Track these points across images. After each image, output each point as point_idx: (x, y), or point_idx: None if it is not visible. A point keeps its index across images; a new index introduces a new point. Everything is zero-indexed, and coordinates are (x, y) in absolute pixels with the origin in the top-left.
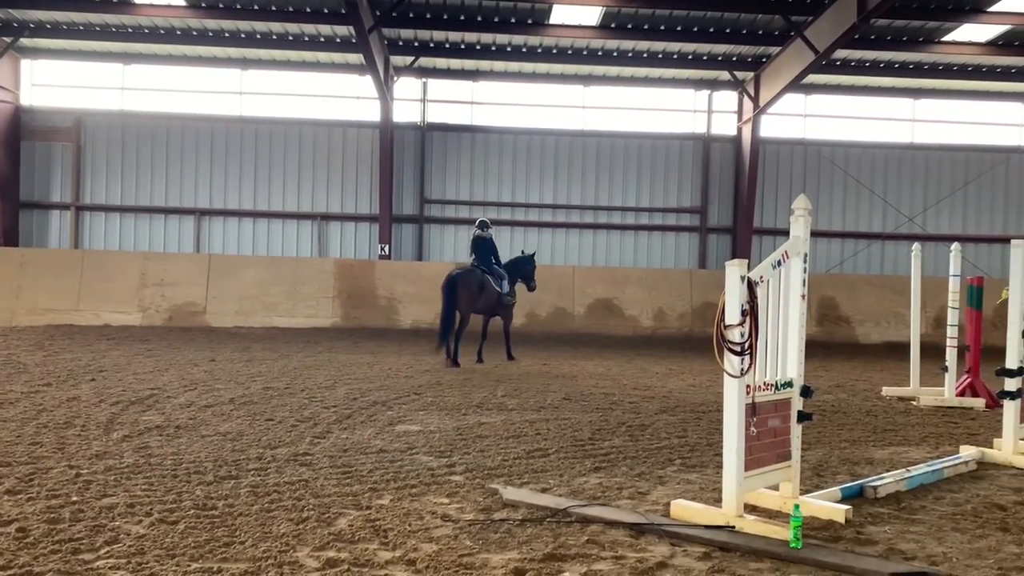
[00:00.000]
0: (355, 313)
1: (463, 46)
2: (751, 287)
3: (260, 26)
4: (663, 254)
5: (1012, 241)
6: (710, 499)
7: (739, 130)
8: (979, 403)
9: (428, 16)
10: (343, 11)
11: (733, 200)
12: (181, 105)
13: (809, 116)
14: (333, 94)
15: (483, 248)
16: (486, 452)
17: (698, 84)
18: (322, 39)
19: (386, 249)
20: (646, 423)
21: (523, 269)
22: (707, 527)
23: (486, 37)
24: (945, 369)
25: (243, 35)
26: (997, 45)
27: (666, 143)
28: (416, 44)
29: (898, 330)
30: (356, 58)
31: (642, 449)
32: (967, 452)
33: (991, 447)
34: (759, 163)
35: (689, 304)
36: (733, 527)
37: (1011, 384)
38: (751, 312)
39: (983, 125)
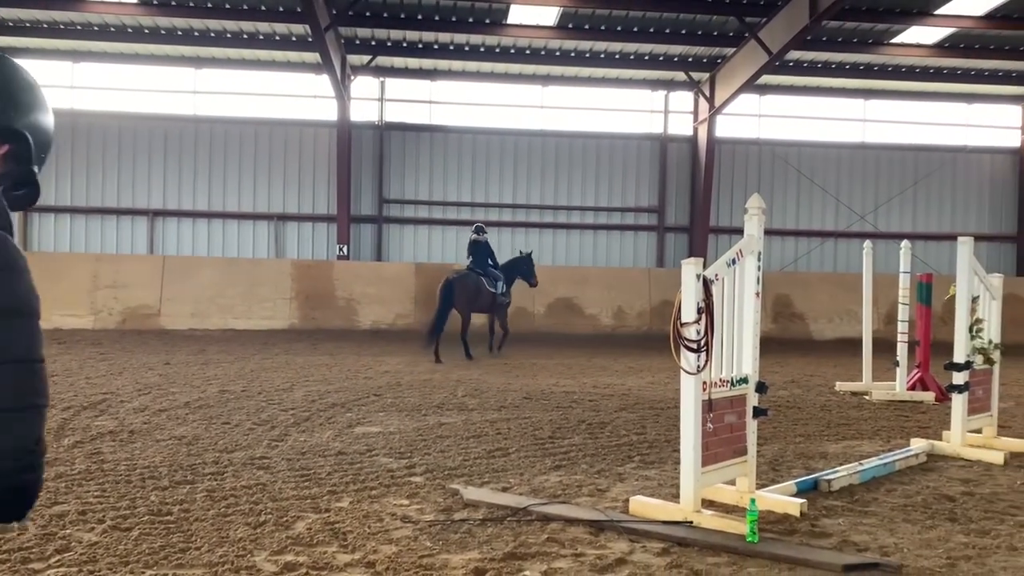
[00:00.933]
0: (313, 314)
1: (421, 45)
2: (706, 285)
3: (214, 24)
4: (622, 253)
5: (958, 238)
6: (668, 495)
7: (695, 130)
8: (929, 397)
9: (385, 15)
10: (298, 9)
11: (690, 199)
12: (133, 104)
13: (764, 116)
14: (289, 93)
15: (479, 251)
16: (446, 452)
17: (655, 85)
18: (277, 37)
19: (344, 250)
20: (606, 421)
21: (521, 268)
22: (665, 523)
23: (444, 36)
24: (896, 364)
25: (196, 33)
26: (943, 47)
27: (624, 143)
28: (373, 43)
29: (851, 326)
30: (312, 57)
31: (602, 447)
32: (917, 445)
33: (940, 440)
34: (715, 163)
35: (648, 302)
36: (691, 522)
37: (959, 378)
38: (707, 310)
39: (931, 125)
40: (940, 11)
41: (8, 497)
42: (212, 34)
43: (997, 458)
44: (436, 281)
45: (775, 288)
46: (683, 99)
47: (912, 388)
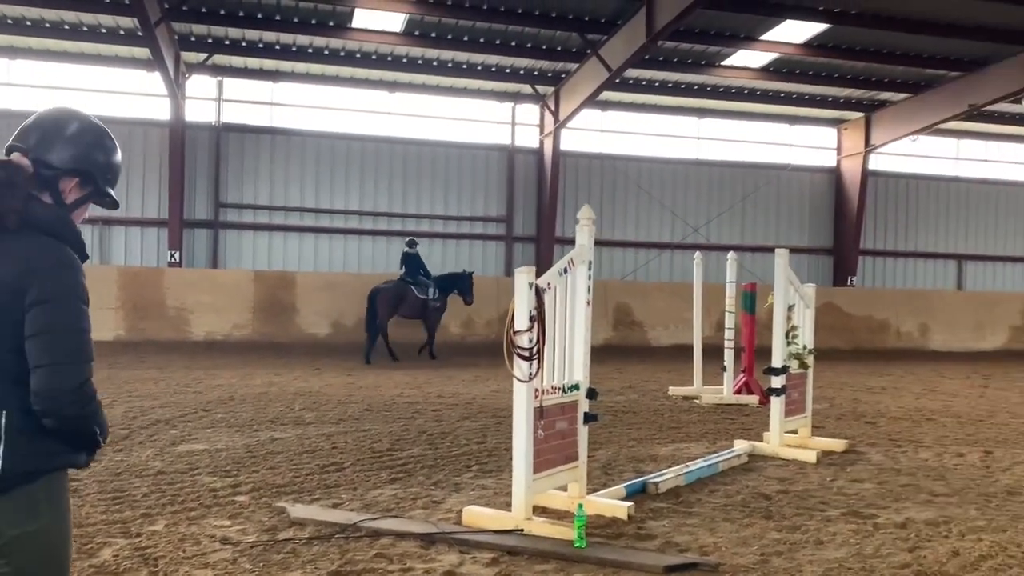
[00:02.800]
0: (141, 325)
1: (261, 45)
2: (539, 293)
3: (31, 12)
4: (471, 262)
5: (776, 250)
6: (503, 504)
7: (541, 143)
8: (753, 400)
9: (222, 12)
10: (126, 1)
11: (537, 210)
12: None
13: (606, 132)
14: (117, 90)
15: (410, 262)
16: (276, 469)
17: (502, 96)
18: (103, 30)
19: (177, 256)
20: (447, 431)
21: (459, 284)
22: (496, 532)
23: (285, 37)
24: (724, 369)
25: (10, 21)
26: (768, 71)
27: (472, 153)
28: (210, 41)
29: (685, 333)
30: (143, 52)
31: (440, 457)
32: (740, 446)
33: (761, 441)
34: (560, 175)
35: (496, 311)
36: (522, 530)
37: (776, 382)
38: (539, 318)
39: (758, 144)
40: (764, 37)
41: (73, 430)
42: (28, 23)
43: (810, 457)
44: (276, 289)
45: (616, 297)
46: (530, 112)
47: (738, 392)
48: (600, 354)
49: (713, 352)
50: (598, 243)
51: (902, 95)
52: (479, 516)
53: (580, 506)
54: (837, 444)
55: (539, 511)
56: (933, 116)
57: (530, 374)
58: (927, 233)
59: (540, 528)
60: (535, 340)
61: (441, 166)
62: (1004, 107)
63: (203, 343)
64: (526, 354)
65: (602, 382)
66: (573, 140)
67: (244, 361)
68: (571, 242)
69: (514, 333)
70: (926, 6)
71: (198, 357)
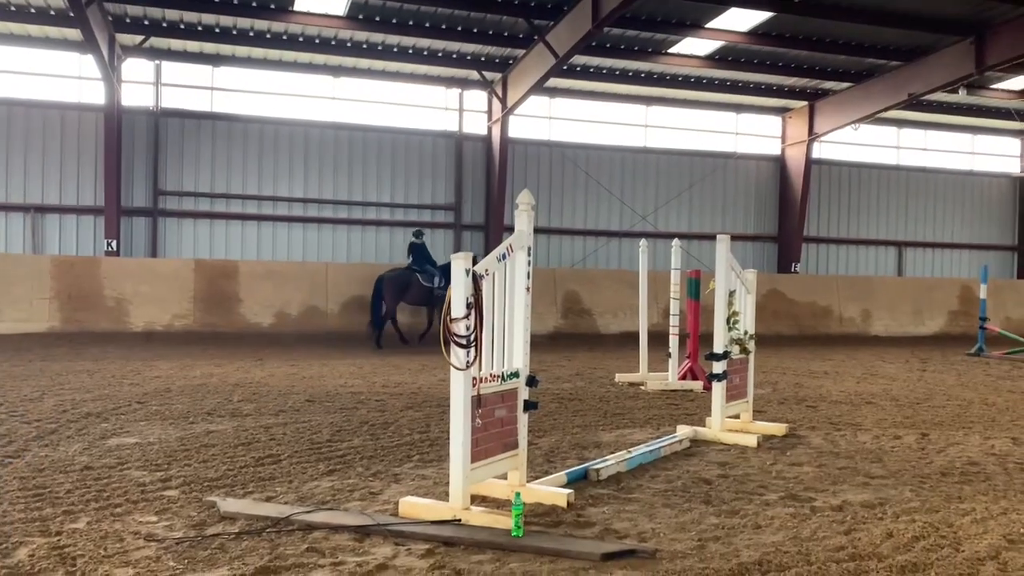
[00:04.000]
0: (77, 316)
1: (200, 28)
2: (476, 280)
3: None
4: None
5: (717, 236)
6: (443, 493)
7: (489, 129)
8: (697, 386)
9: None
10: None
11: (485, 197)
12: None
13: (554, 119)
14: (49, 73)
15: (417, 252)
16: (210, 463)
17: (449, 82)
18: (32, 10)
19: (114, 245)
20: (390, 420)
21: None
22: (433, 523)
23: (226, 20)
24: (669, 355)
25: None
26: (714, 59)
27: (420, 139)
28: (147, 22)
29: (633, 320)
30: (75, 34)
31: (381, 447)
32: (682, 431)
33: (704, 425)
34: (508, 162)
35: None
36: (459, 520)
37: (718, 367)
38: (476, 305)
39: (705, 132)
40: (710, 24)
41: None
42: None
43: (751, 441)
44: (218, 279)
45: (565, 285)
46: (478, 98)
47: (683, 378)
48: (549, 342)
49: (661, 339)
50: (547, 231)
51: (844, 84)
52: (416, 507)
53: (518, 495)
54: (778, 428)
55: (479, 500)
56: (874, 105)
57: (467, 362)
58: (869, 220)
59: (478, 518)
60: (472, 328)
61: (388, 153)
62: (943, 96)
63: (142, 334)
64: (463, 342)
65: (550, 369)
66: (522, 127)
67: (184, 352)
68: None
69: (451, 321)
70: None
71: (136, 348)
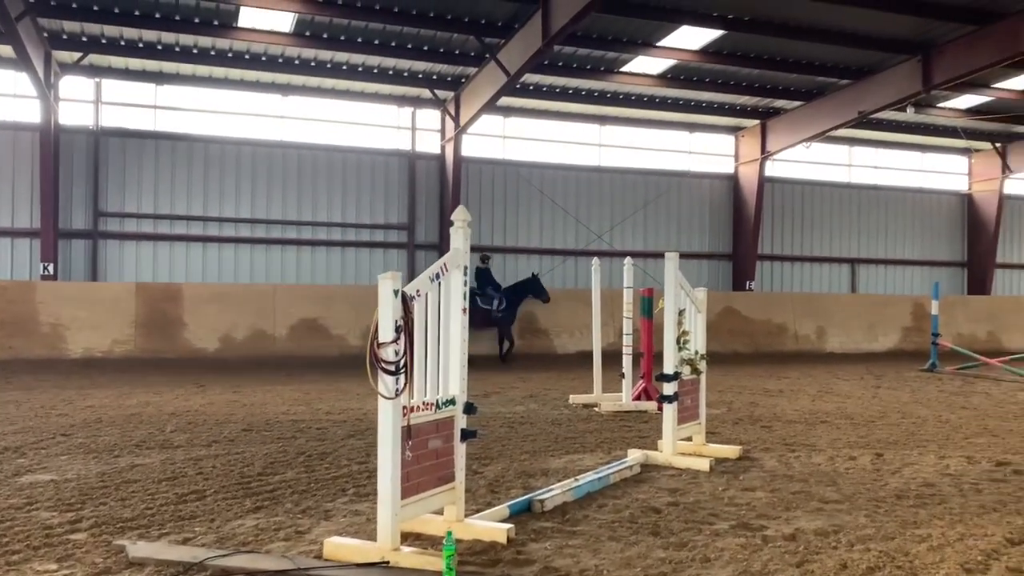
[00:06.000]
0: (10, 343)
1: (141, 45)
2: (406, 301)
3: None
4: (372, 271)
5: (666, 254)
6: (375, 531)
7: (443, 148)
8: (652, 406)
9: (96, 8)
10: None
11: (439, 217)
12: None
13: (508, 138)
14: None
15: (481, 276)
16: (128, 501)
17: (401, 101)
18: None
19: (51, 268)
20: (329, 450)
21: (530, 288)
22: (359, 565)
23: (168, 37)
24: (623, 375)
25: None
26: (667, 78)
27: (372, 158)
28: (84, 39)
29: (590, 340)
30: (8, 50)
31: (316, 480)
32: (633, 456)
33: (656, 449)
34: (462, 181)
35: None
36: (387, 562)
37: (669, 388)
38: (406, 328)
39: (658, 151)
40: (662, 43)
41: None
42: None
43: (703, 465)
44: (161, 302)
45: (521, 305)
46: (430, 117)
47: (637, 398)
48: (504, 363)
49: (617, 358)
50: (502, 250)
51: (796, 103)
52: (342, 548)
53: (449, 534)
54: (731, 451)
55: (412, 538)
56: (825, 123)
57: (396, 390)
58: (822, 238)
59: (408, 559)
60: (402, 353)
61: (339, 172)
62: (892, 115)
63: (80, 361)
64: (391, 368)
65: (503, 392)
66: (475, 146)
67: (123, 380)
68: (476, 249)
69: (378, 346)
70: (817, 15)
71: (73, 376)
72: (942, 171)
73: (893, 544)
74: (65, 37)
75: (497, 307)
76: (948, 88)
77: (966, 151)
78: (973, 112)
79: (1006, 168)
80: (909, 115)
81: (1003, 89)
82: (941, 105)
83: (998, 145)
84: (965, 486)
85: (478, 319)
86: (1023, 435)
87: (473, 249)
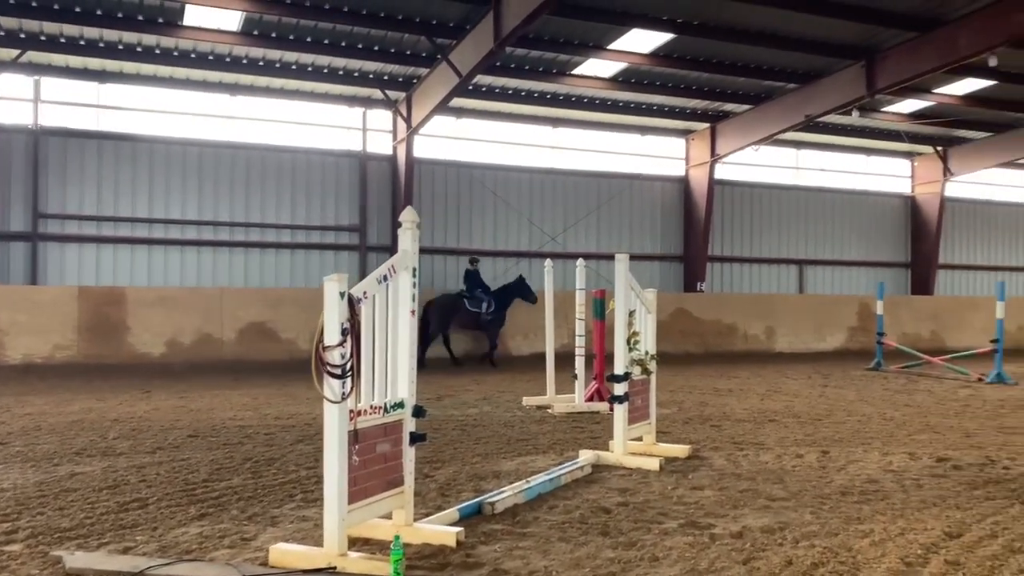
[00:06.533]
0: None
1: (83, 42)
2: (352, 304)
3: None
4: (322, 273)
5: (616, 256)
6: (322, 537)
7: (395, 149)
8: (604, 407)
9: (34, 4)
10: None
11: (391, 219)
12: None
13: (461, 139)
14: None
15: (470, 279)
16: (67, 510)
17: (352, 101)
18: None
19: None
20: (276, 456)
21: (514, 292)
22: (305, 572)
23: (110, 34)
24: (575, 377)
25: None
26: (618, 81)
27: (322, 159)
28: (23, 36)
29: (543, 342)
30: None
31: (263, 486)
32: (584, 456)
33: (607, 449)
34: (414, 182)
35: None
36: (334, 568)
37: (619, 389)
38: (353, 331)
39: (611, 154)
40: (613, 46)
41: None
42: None
43: (654, 465)
44: (104, 306)
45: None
46: (382, 117)
47: (590, 399)
48: (458, 365)
49: (570, 360)
50: (456, 252)
51: (744, 106)
52: (288, 554)
53: (397, 538)
54: (680, 450)
55: (360, 543)
56: (773, 126)
57: (342, 394)
58: (771, 239)
59: (355, 564)
60: (348, 356)
61: (288, 173)
62: (837, 118)
63: (19, 367)
64: (337, 372)
65: (457, 394)
66: (428, 147)
67: (65, 386)
68: (428, 251)
69: (323, 349)
70: (765, 20)
71: (11, 383)
72: (886, 174)
73: (837, 540)
74: (2, 33)
75: (486, 310)
76: (891, 93)
77: (909, 155)
78: (915, 116)
79: (947, 171)
80: (854, 119)
81: (944, 94)
82: (885, 109)
83: (939, 149)
84: (907, 482)
85: (468, 321)
86: (963, 432)
87: (424, 251)
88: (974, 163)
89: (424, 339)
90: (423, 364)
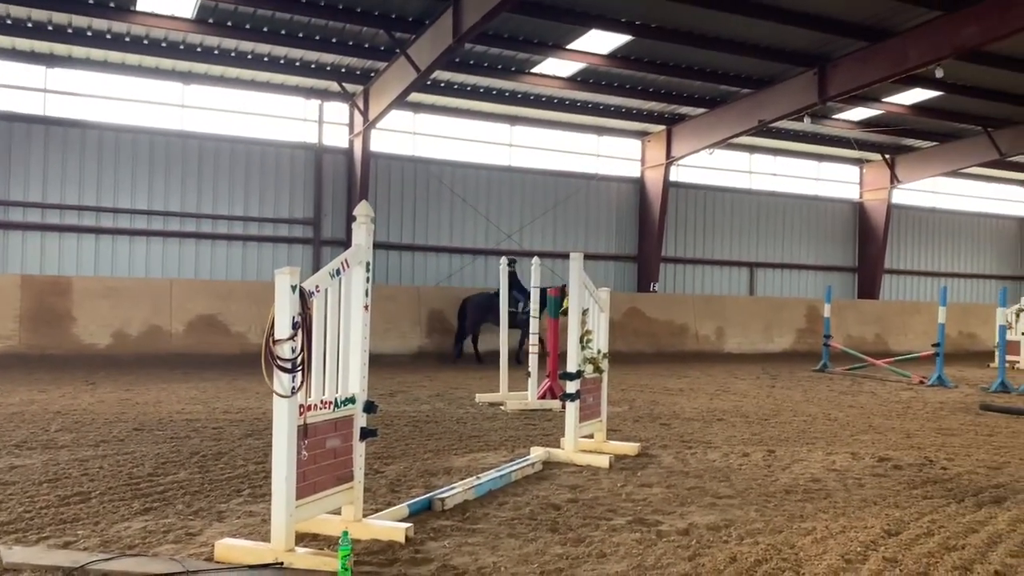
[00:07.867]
0: None
1: (31, 24)
2: (304, 298)
3: None
4: (275, 266)
5: (571, 254)
6: (269, 532)
7: (351, 143)
8: (557, 404)
9: None
10: None
11: (346, 213)
12: None
13: (418, 134)
14: None
15: (510, 280)
16: (5, 504)
17: (308, 93)
18: None
19: None
20: (224, 450)
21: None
22: (252, 567)
23: (59, 17)
24: (528, 374)
25: None
26: (576, 81)
27: (276, 151)
28: None
29: (498, 339)
30: None
31: (210, 481)
32: (536, 453)
33: (559, 446)
34: (371, 177)
35: None
36: (281, 564)
37: (571, 386)
38: (304, 325)
39: (568, 153)
40: (572, 46)
41: None
42: None
43: (603, 462)
44: (48, 296)
45: (430, 304)
46: (338, 110)
47: (543, 396)
48: (413, 361)
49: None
50: (411, 248)
51: (700, 110)
52: (234, 549)
53: (345, 533)
54: (630, 448)
55: (308, 539)
56: (727, 131)
57: (292, 388)
58: (723, 242)
59: (302, 560)
60: (299, 350)
61: (241, 164)
62: (790, 124)
63: None
64: (288, 366)
65: (410, 390)
66: (385, 142)
67: (5, 377)
68: (384, 247)
69: (274, 342)
70: (721, 25)
71: None
72: (836, 180)
73: (780, 537)
74: None
75: (521, 309)
76: (842, 100)
77: (858, 162)
78: (865, 124)
79: (894, 178)
80: (806, 125)
81: (892, 103)
82: (836, 117)
83: (887, 156)
84: (849, 481)
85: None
86: (904, 433)
87: (379, 246)
88: (920, 171)
89: (460, 334)
90: (458, 357)
